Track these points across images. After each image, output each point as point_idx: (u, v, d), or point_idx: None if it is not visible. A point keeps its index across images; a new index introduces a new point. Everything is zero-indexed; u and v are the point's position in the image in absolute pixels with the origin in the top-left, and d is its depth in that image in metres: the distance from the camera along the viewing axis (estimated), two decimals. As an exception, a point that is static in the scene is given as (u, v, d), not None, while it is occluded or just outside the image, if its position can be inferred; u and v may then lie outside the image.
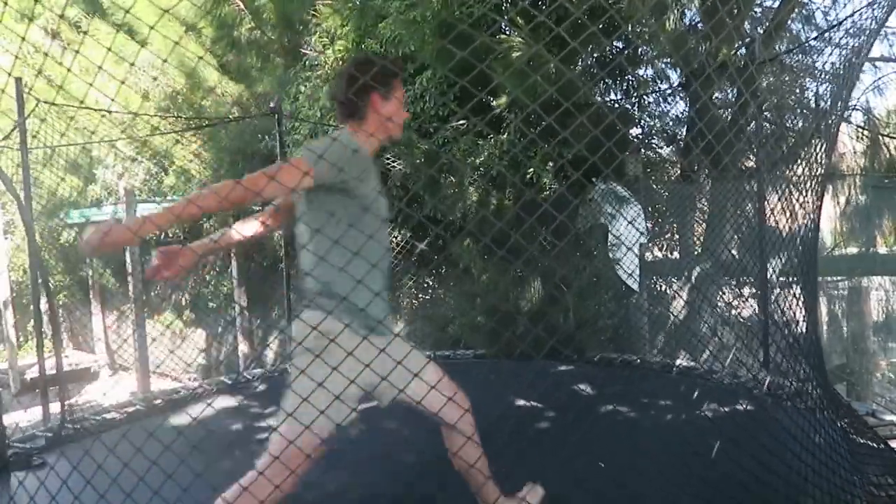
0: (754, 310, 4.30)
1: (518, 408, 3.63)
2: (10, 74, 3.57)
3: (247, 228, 1.90)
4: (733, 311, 4.57)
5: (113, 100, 5.67)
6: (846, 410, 2.89)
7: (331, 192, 1.65)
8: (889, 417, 3.26)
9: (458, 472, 2.03)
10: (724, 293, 4.99)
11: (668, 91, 6.21)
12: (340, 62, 6.17)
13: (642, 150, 6.23)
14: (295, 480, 1.69)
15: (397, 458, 2.90)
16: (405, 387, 1.75)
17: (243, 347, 8.43)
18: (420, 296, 6.52)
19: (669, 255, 6.02)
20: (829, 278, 7.44)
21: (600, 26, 4.96)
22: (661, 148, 6.61)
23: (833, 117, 2.89)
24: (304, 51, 6.87)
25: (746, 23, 6.10)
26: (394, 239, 6.05)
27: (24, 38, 5.87)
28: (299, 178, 1.56)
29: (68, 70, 3.35)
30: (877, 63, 7.53)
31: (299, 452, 1.64)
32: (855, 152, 8.04)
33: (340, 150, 1.62)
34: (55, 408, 3.71)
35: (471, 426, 1.94)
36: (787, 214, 2.66)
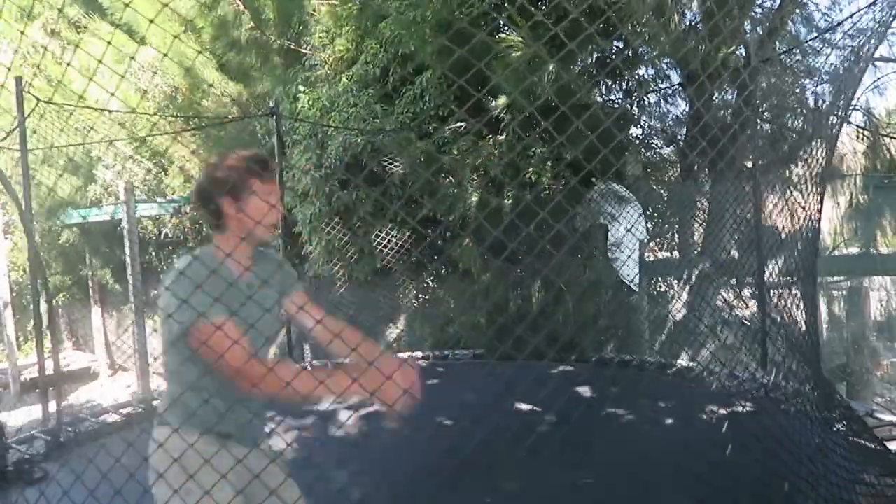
0: (753, 310, 4.28)
1: (518, 410, 3.62)
2: (17, 74, 3.56)
3: None
4: (732, 312, 4.55)
5: (114, 95, 5.65)
6: (844, 411, 2.88)
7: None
8: (888, 417, 3.25)
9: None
10: (722, 293, 4.97)
11: (669, 91, 6.20)
12: (340, 61, 6.14)
13: (642, 151, 6.21)
14: None
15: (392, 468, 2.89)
16: None
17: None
18: (420, 296, 6.50)
19: (670, 255, 6.00)
20: (829, 278, 7.43)
21: (600, 26, 4.94)
22: (661, 148, 6.60)
23: (833, 118, 2.88)
24: (303, 51, 6.86)
25: (746, 23, 6.08)
26: (394, 238, 6.00)
27: (23, 33, 5.83)
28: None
29: (68, 65, 3.34)
30: (877, 63, 7.50)
31: None
32: (855, 152, 8.01)
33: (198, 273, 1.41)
34: (54, 408, 3.70)
35: None
36: (787, 215, 2.65)
